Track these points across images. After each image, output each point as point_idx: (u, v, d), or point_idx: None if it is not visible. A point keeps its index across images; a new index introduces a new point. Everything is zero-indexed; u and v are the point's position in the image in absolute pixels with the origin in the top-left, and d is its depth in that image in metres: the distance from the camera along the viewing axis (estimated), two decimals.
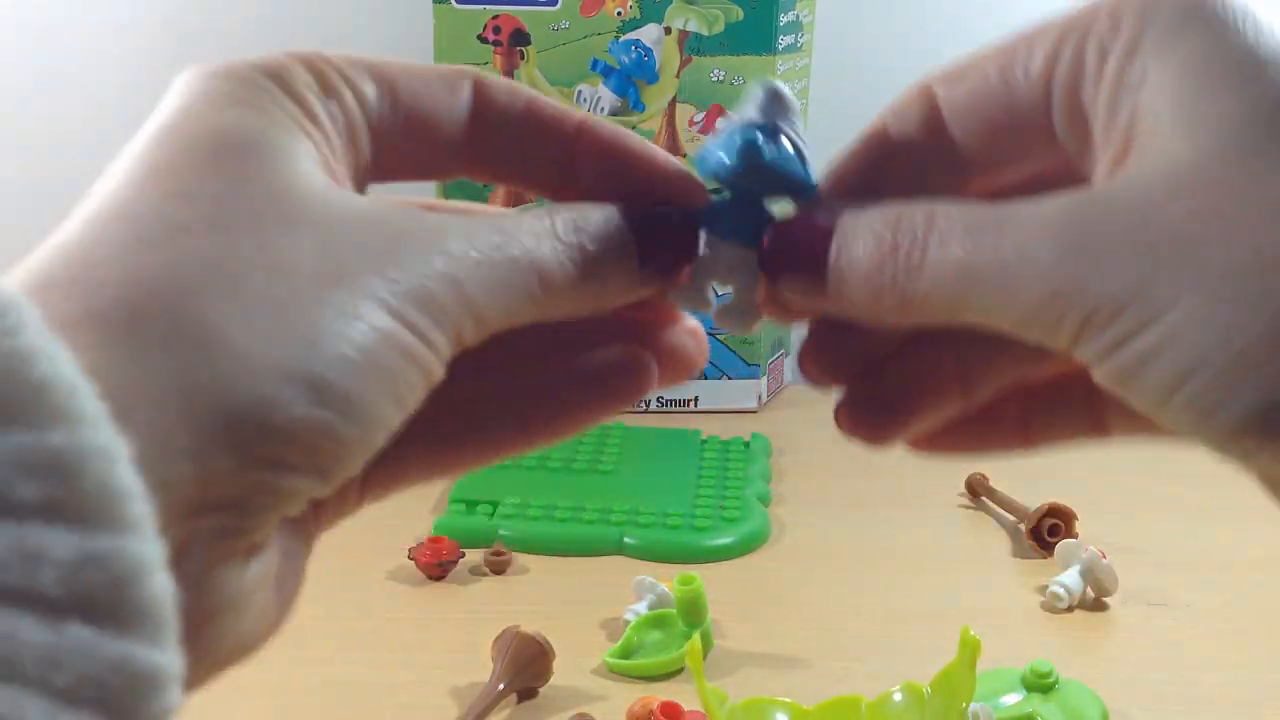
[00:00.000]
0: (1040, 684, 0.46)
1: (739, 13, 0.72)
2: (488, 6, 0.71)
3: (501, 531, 0.60)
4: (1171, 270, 0.20)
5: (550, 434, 0.28)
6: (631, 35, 0.72)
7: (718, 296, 0.27)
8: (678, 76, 0.73)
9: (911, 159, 0.26)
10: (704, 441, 0.72)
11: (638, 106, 0.73)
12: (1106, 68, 0.23)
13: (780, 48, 0.73)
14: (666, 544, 0.60)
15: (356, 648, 0.52)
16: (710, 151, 0.26)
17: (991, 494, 0.65)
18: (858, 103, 0.87)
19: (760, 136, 0.25)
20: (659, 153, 0.27)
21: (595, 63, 0.72)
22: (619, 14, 0.71)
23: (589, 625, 0.53)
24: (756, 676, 0.50)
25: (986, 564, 0.60)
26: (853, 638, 0.53)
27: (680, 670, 0.50)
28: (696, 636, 0.43)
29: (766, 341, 0.79)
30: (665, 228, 0.26)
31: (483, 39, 0.71)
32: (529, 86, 0.27)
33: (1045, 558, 0.59)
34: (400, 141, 0.26)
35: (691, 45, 0.72)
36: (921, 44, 0.86)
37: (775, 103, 0.26)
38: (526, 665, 0.48)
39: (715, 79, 0.73)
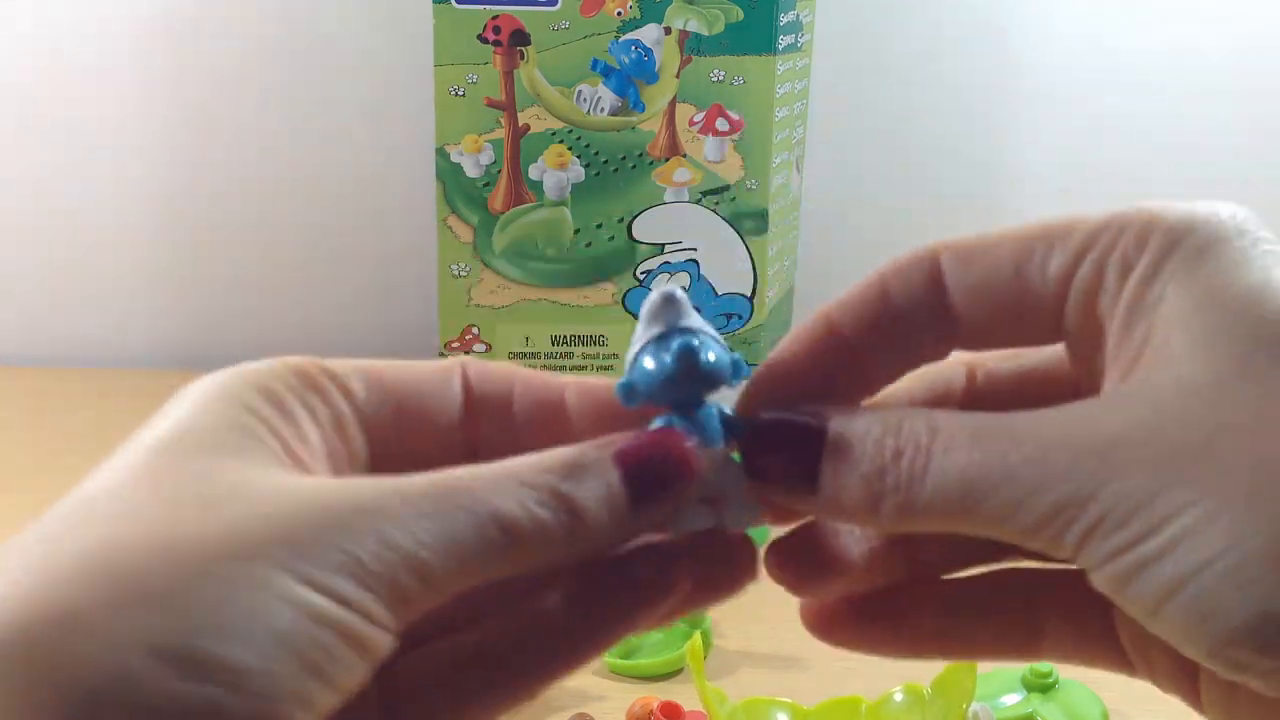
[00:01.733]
0: (1040, 684, 0.46)
1: (739, 13, 0.72)
2: (488, 6, 0.71)
3: None
4: (1180, 481, 0.21)
5: (577, 662, 0.25)
6: (631, 35, 0.72)
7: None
8: (678, 76, 0.73)
9: (907, 319, 0.26)
10: None
11: (638, 106, 0.73)
12: (1127, 286, 0.24)
13: (780, 48, 0.73)
14: None
15: None
16: (639, 375, 0.25)
17: None
18: (858, 103, 0.87)
19: (689, 341, 0.25)
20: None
21: (595, 63, 0.72)
22: (619, 14, 0.71)
23: None
24: (756, 676, 0.50)
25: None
26: None
27: (680, 670, 0.50)
28: (697, 636, 0.43)
29: (768, 342, 0.79)
30: (660, 453, 0.24)
31: (483, 39, 0.71)
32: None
33: None
34: (397, 434, 0.26)
35: (691, 45, 0.72)
36: (921, 45, 0.86)
37: (671, 307, 0.25)
38: None
39: (715, 79, 0.73)
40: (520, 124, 0.73)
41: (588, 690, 0.49)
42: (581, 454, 0.24)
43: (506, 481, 0.23)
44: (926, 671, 0.44)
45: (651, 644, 0.51)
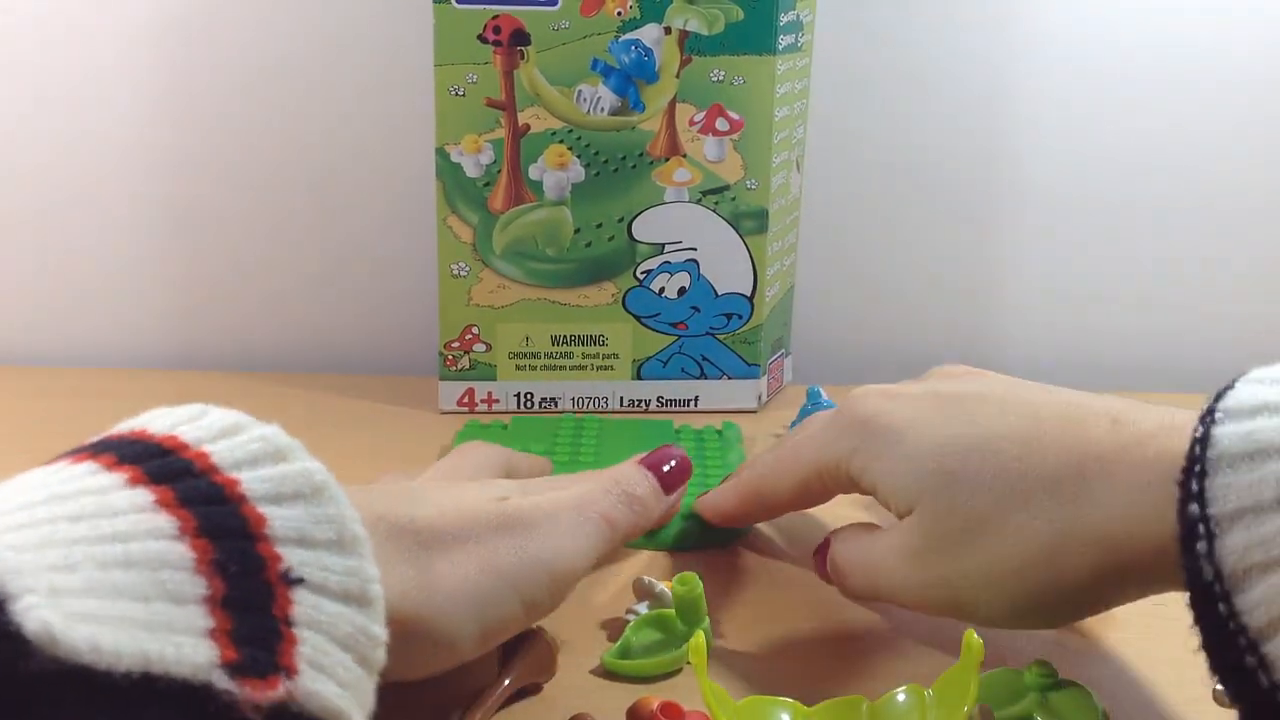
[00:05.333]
0: (1040, 684, 0.46)
1: (739, 13, 0.72)
2: (488, 6, 0.71)
3: None
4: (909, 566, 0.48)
5: None
6: (631, 35, 0.72)
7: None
8: (678, 76, 0.73)
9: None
10: (678, 430, 0.73)
11: (637, 106, 0.73)
12: (854, 470, 0.49)
13: (780, 48, 0.73)
14: (657, 531, 0.59)
15: None
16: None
17: None
18: (858, 103, 0.87)
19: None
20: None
21: (595, 62, 0.72)
22: (619, 14, 0.71)
23: (589, 625, 0.53)
24: (757, 676, 0.50)
25: None
26: (852, 637, 0.53)
27: (679, 670, 0.50)
28: (700, 633, 0.43)
29: (767, 341, 0.79)
30: (673, 462, 0.52)
31: (483, 39, 0.71)
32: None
33: None
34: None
35: (691, 45, 0.72)
36: (921, 44, 0.86)
37: (817, 404, 0.71)
38: (532, 660, 0.48)
39: (715, 79, 0.73)
40: (520, 124, 0.73)
41: (587, 690, 0.49)
42: (629, 468, 0.51)
43: (603, 494, 0.47)
44: (929, 673, 0.44)
45: (651, 644, 0.51)
